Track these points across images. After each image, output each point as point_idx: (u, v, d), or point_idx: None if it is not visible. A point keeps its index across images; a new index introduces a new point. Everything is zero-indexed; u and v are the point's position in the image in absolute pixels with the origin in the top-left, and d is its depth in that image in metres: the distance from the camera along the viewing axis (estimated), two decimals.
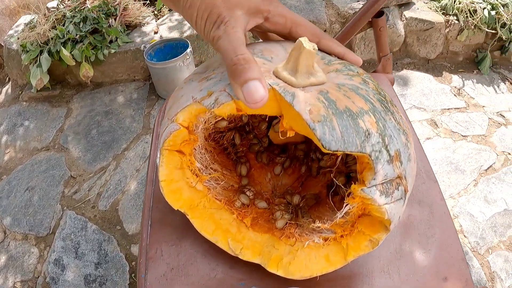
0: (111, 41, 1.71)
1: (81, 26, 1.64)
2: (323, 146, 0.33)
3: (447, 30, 2.14)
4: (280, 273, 0.46)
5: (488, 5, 2.04)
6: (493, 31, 2.11)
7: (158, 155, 0.44)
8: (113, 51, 1.69)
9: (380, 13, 0.80)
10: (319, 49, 0.34)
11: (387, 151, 0.37)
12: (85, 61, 1.64)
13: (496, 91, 2.18)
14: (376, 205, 0.37)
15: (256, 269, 0.49)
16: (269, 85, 0.35)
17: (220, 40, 0.33)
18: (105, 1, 1.79)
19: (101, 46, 1.66)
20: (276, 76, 0.38)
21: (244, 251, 0.48)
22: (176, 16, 1.94)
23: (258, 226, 0.51)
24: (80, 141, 1.55)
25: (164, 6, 1.98)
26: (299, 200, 0.54)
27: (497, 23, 2.07)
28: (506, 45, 2.19)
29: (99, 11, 1.71)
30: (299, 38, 0.34)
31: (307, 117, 0.34)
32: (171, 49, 1.75)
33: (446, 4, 2.09)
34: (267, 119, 0.55)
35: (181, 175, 0.47)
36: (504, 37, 2.11)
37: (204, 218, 0.49)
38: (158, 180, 0.58)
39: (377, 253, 0.54)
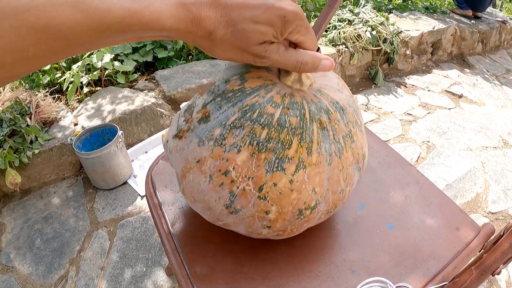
0: (31, 142, 1.60)
1: None
2: None
3: (340, 58, 2.41)
4: None
5: (369, 28, 2.36)
6: (378, 48, 2.44)
7: None
8: (36, 151, 1.58)
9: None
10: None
11: None
12: (9, 167, 1.50)
13: (396, 97, 2.49)
14: None
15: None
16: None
17: (266, 63, 0.39)
18: (17, 100, 1.69)
19: (23, 148, 1.54)
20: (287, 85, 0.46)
21: None
22: (91, 104, 1.90)
23: None
24: (26, 255, 1.39)
25: (73, 98, 1.93)
26: None
27: (379, 40, 2.40)
28: (391, 56, 2.53)
29: (13, 111, 1.61)
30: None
31: None
32: (97, 137, 1.69)
33: (334, 37, 2.38)
34: None
35: None
36: (388, 50, 2.44)
37: None
38: (179, 244, 0.57)
39: (403, 234, 0.62)
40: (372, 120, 2.24)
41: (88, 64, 1.94)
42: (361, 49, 2.39)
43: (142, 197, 1.62)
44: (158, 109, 1.91)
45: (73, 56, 2.07)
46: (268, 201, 0.43)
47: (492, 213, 1.64)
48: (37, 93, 1.83)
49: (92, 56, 1.89)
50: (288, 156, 0.42)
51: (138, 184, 1.68)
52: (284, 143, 0.42)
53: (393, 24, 2.63)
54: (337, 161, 0.47)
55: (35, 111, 1.71)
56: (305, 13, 2.70)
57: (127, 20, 0.31)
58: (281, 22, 0.36)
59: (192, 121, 0.46)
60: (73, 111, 1.89)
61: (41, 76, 2.01)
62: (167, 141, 0.50)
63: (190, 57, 2.33)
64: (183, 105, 1.90)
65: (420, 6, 3.70)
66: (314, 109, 0.44)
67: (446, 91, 2.68)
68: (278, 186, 0.43)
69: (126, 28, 0.31)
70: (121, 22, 0.30)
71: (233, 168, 0.42)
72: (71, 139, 1.60)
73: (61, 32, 0.28)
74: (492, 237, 0.61)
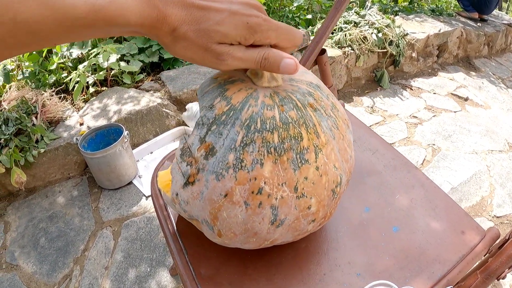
0: (37, 141, 1.61)
1: (3, 129, 1.52)
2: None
3: (346, 60, 2.41)
4: None
5: (375, 30, 2.36)
6: (384, 50, 2.43)
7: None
8: (42, 150, 1.59)
9: (322, 51, 0.91)
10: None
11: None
12: (15, 166, 1.51)
13: (402, 99, 2.48)
14: None
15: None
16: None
17: (229, 63, 0.38)
18: (23, 99, 1.70)
19: (28, 147, 1.55)
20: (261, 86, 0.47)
21: None
22: (97, 104, 1.91)
23: None
24: (30, 254, 1.40)
25: (79, 98, 1.94)
26: None
27: (385, 42, 2.39)
28: (397, 58, 2.52)
29: (19, 110, 1.62)
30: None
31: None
32: (102, 137, 1.70)
33: (339, 39, 2.37)
34: None
35: None
36: (394, 53, 2.44)
37: None
38: (184, 245, 0.57)
39: (408, 237, 0.62)
40: (378, 123, 2.23)
41: (94, 64, 1.95)
42: (367, 51, 2.39)
43: (147, 197, 1.63)
44: (164, 109, 1.92)
45: (79, 56, 2.09)
46: (306, 196, 0.44)
47: (497, 217, 1.63)
48: (43, 92, 1.84)
49: (98, 56, 1.90)
50: (304, 147, 0.43)
51: (143, 185, 1.69)
52: (296, 137, 0.43)
53: (399, 27, 2.62)
54: (338, 133, 0.48)
55: (41, 111, 1.72)
56: (311, 15, 2.71)
57: (92, 16, 0.31)
58: (245, 29, 0.37)
59: (197, 161, 0.44)
60: (79, 110, 1.90)
61: (47, 75, 2.02)
62: (177, 195, 0.47)
63: None
64: (188, 106, 1.91)
65: (426, 8, 3.69)
66: (300, 96, 0.46)
67: (452, 94, 2.67)
68: (309, 178, 0.44)
69: (92, 23, 0.32)
70: (86, 18, 0.31)
71: (265, 182, 0.42)
72: (76, 138, 1.61)
73: (28, 26, 0.29)
74: (498, 241, 0.60)
